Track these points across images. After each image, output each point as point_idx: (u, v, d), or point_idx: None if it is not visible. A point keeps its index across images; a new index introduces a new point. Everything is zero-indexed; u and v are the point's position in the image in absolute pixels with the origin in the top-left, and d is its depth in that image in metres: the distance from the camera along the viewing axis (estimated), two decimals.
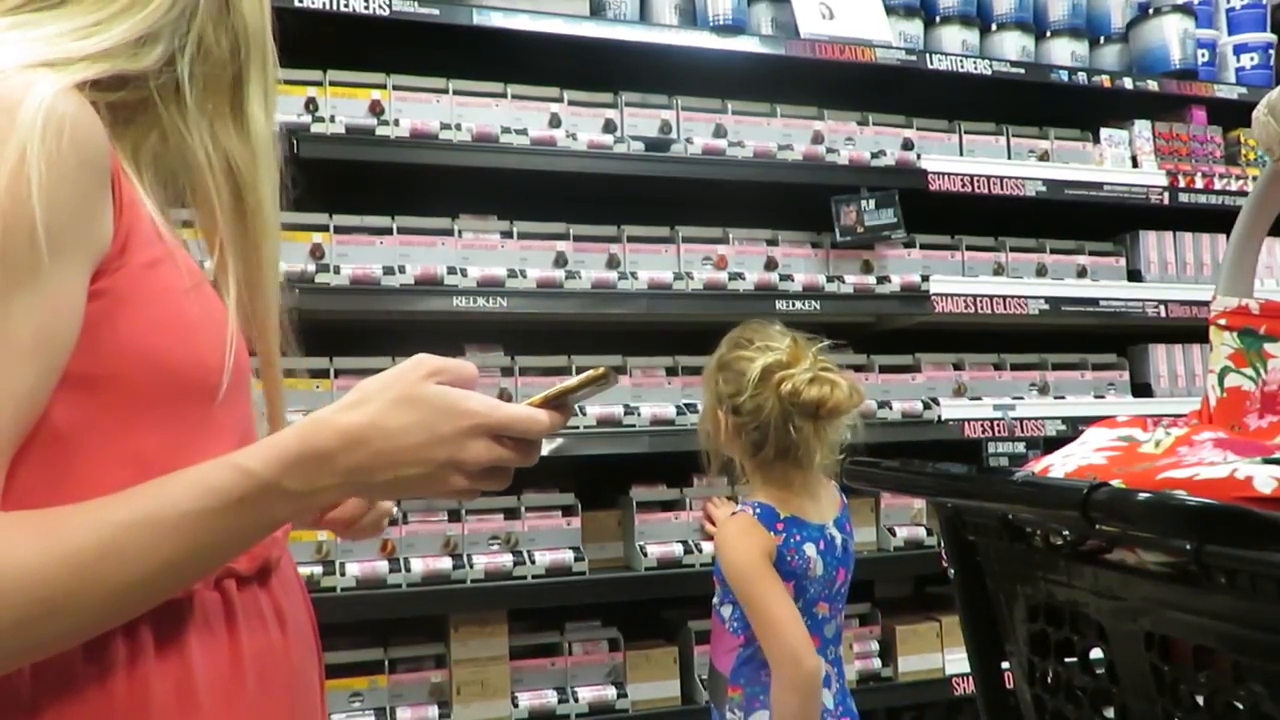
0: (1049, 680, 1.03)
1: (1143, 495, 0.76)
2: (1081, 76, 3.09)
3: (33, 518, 0.74)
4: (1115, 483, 0.83)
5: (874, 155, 2.85)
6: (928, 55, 2.92)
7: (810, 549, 1.93)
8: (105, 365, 0.80)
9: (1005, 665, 1.12)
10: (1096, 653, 0.96)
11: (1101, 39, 3.30)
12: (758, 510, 1.93)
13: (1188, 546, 0.75)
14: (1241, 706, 0.80)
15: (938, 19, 3.06)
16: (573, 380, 0.89)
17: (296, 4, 2.29)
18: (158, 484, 0.79)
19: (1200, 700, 0.84)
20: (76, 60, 0.82)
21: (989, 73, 2.98)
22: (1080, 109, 3.20)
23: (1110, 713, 0.95)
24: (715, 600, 2.01)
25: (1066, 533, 0.95)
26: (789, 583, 1.90)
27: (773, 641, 1.84)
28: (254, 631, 0.89)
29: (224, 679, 0.86)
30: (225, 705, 0.85)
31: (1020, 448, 2.82)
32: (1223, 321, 1.17)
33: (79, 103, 0.79)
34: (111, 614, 0.78)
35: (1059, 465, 0.99)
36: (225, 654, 0.87)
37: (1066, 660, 1.00)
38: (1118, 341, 3.15)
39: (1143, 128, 3.18)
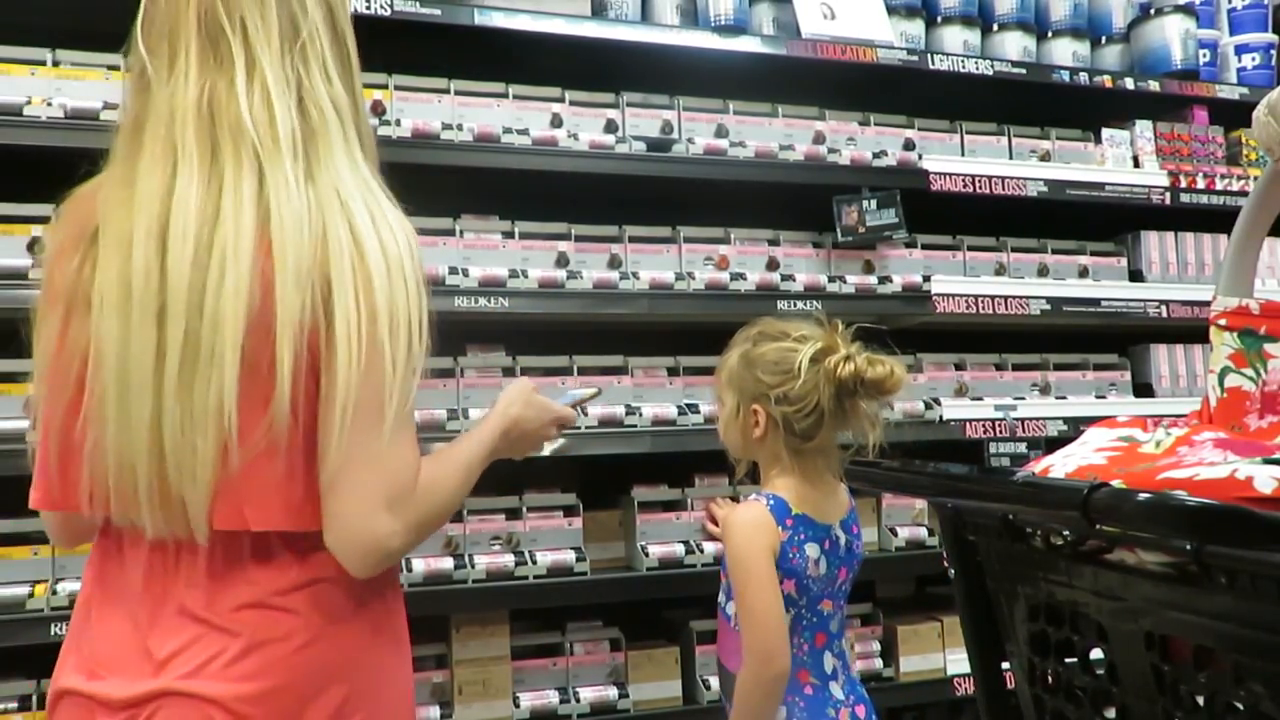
0: (1049, 680, 1.03)
1: (1143, 495, 0.77)
2: (1083, 77, 3.09)
3: (433, 459, 1.33)
4: (1115, 483, 0.83)
5: (875, 155, 2.85)
6: (929, 55, 2.92)
7: (812, 549, 1.92)
8: None
9: (1006, 665, 1.12)
10: (1097, 653, 0.96)
11: (1103, 39, 3.30)
12: (771, 503, 1.92)
13: (1188, 546, 0.76)
14: (1241, 706, 0.80)
15: (939, 19, 3.06)
16: (588, 392, 1.86)
17: None
18: (457, 444, 1.41)
19: (1200, 700, 0.84)
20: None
21: (990, 73, 2.98)
22: (1082, 109, 3.20)
23: (1110, 713, 0.95)
24: (721, 598, 2.01)
25: (1067, 533, 0.95)
26: (790, 580, 1.90)
27: (752, 634, 1.85)
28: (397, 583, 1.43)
29: (402, 614, 1.41)
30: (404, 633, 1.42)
31: (1022, 448, 2.82)
32: (1223, 322, 1.18)
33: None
34: (454, 510, 1.38)
35: (1059, 465, 1.00)
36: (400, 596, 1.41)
37: (1067, 660, 1.00)
38: (1119, 342, 3.15)
39: (1144, 128, 3.18)
